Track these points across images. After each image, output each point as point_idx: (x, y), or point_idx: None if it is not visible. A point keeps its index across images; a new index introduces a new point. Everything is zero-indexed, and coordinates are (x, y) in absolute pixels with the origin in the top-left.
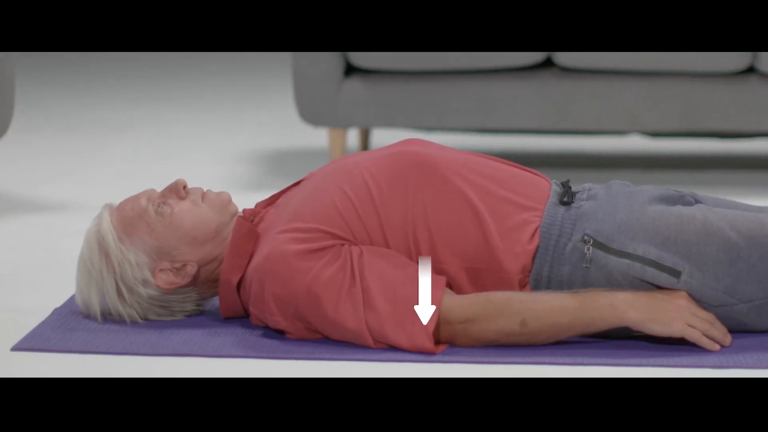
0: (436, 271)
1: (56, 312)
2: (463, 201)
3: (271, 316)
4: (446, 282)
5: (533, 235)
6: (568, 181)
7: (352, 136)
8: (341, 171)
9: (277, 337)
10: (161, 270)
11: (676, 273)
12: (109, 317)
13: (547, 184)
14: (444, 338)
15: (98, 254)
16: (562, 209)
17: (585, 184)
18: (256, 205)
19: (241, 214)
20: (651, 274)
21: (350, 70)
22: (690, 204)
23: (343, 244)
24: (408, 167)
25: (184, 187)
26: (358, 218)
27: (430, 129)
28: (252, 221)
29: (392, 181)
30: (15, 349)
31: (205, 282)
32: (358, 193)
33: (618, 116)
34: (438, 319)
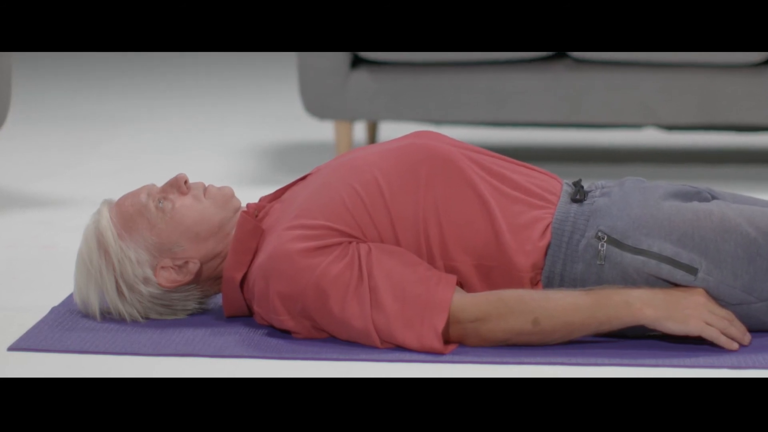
0: (447, 268)
1: (54, 311)
2: (474, 195)
3: (276, 315)
4: (457, 280)
5: (545, 231)
6: (580, 180)
7: (359, 130)
8: (349, 166)
9: (282, 336)
10: (162, 267)
11: (692, 270)
12: (108, 316)
13: (558, 184)
14: (454, 338)
15: (97, 252)
16: (574, 206)
17: (597, 182)
18: (261, 200)
19: (245, 209)
20: (667, 271)
21: (357, 61)
22: (707, 200)
23: (350, 242)
24: (419, 160)
25: (186, 181)
26: (367, 215)
27: (438, 122)
28: (256, 216)
29: (403, 175)
30: (12, 348)
31: (207, 279)
32: (367, 189)
33: (633, 109)
34: (448, 318)
